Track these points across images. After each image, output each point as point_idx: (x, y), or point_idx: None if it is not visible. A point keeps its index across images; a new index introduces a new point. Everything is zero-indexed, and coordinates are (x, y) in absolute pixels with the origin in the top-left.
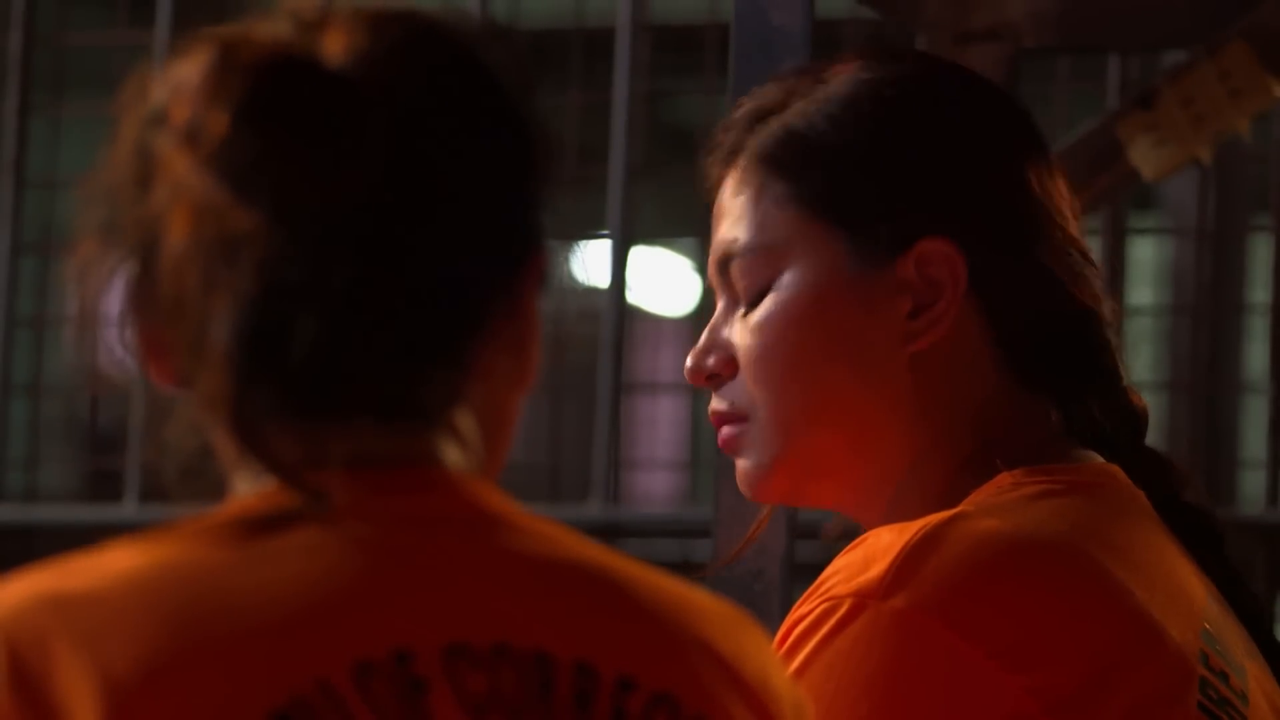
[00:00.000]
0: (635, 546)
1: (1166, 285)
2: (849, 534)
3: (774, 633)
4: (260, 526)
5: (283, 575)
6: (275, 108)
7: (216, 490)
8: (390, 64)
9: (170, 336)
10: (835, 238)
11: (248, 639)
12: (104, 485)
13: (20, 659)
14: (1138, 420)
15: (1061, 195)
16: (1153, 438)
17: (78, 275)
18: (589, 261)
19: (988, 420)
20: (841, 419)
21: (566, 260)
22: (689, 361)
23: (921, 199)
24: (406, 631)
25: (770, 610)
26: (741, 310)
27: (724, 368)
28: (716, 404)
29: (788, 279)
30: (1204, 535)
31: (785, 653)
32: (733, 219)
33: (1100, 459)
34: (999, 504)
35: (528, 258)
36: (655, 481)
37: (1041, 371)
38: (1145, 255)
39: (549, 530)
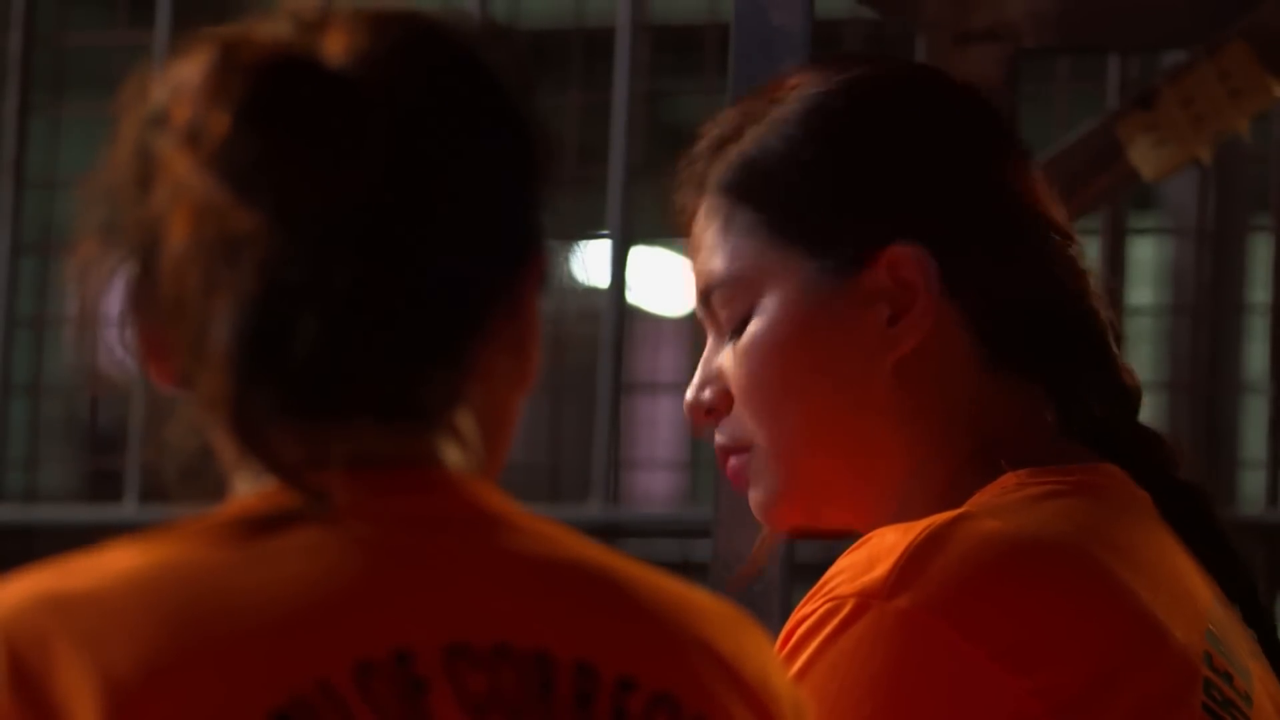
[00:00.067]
0: (635, 546)
1: (1166, 285)
2: (849, 533)
3: (774, 632)
4: (261, 526)
5: (283, 575)
6: (276, 108)
7: (216, 490)
8: (390, 64)
9: (170, 337)
10: (804, 258)
11: (248, 639)
12: (104, 485)
13: (20, 659)
14: (1130, 397)
15: (1034, 179)
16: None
17: (78, 275)
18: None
19: (983, 416)
20: (838, 437)
21: (566, 260)
22: (687, 398)
23: (881, 206)
24: (407, 631)
25: (770, 610)
26: (728, 340)
27: (721, 401)
28: (719, 438)
29: (766, 305)
30: (1198, 518)
31: (789, 653)
32: (707, 250)
33: (1104, 459)
34: (1003, 504)
35: (528, 258)
36: (655, 481)
37: (1028, 359)
38: (1145, 255)
39: (549, 530)
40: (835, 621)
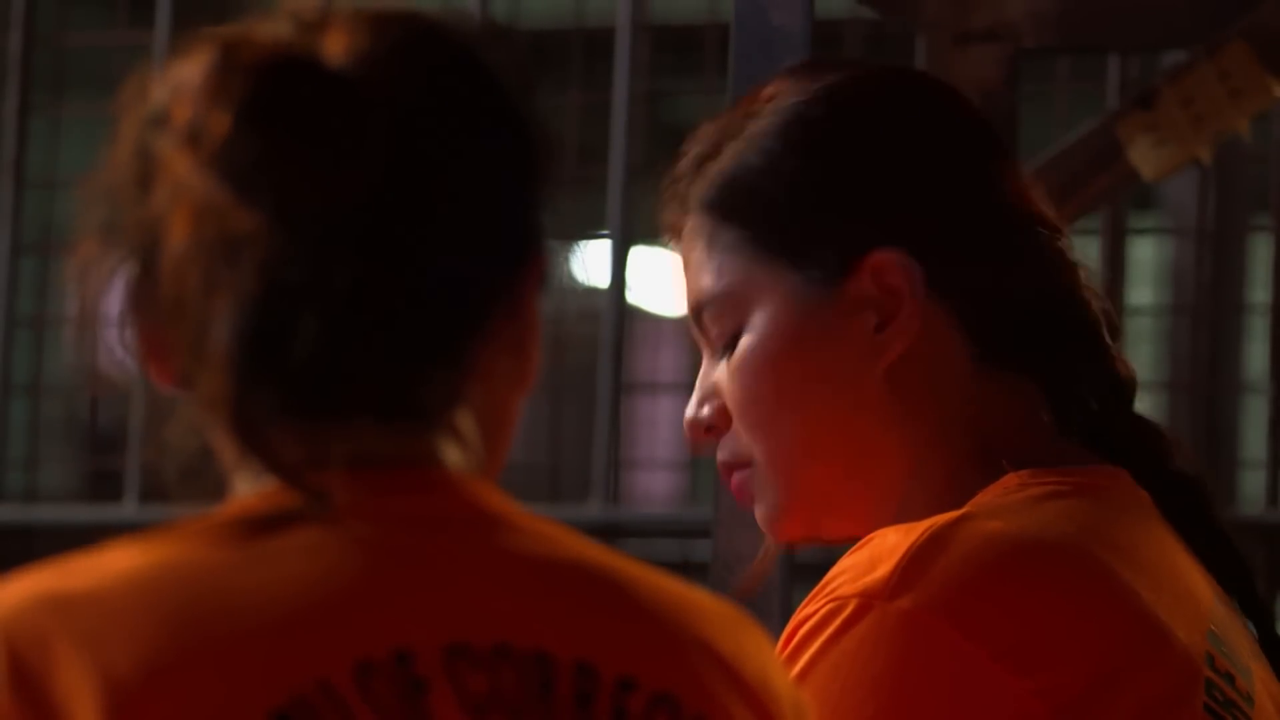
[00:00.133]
0: (635, 546)
1: (1166, 285)
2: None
3: (774, 633)
4: (261, 526)
5: (283, 575)
6: (276, 108)
7: (216, 490)
8: (391, 64)
9: (171, 337)
10: (789, 271)
11: (248, 639)
12: (104, 485)
13: (20, 659)
14: (1125, 388)
15: (1017, 175)
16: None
17: (78, 275)
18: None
19: (979, 415)
20: (835, 447)
21: (566, 260)
22: (686, 416)
23: (861, 213)
24: (407, 631)
25: (770, 610)
26: (721, 357)
27: (720, 418)
28: (721, 455)
29: (755, 320)
30: (1196, 511)
31: (790, 653)
32: (694, 269)
33: (1103, 454)
34: (1005, 505)
35: (528, 258)
36: (655, 481)
37: (1021, 356)
38: (1145, 255)
39: (549, 530)
40: (837, 622)
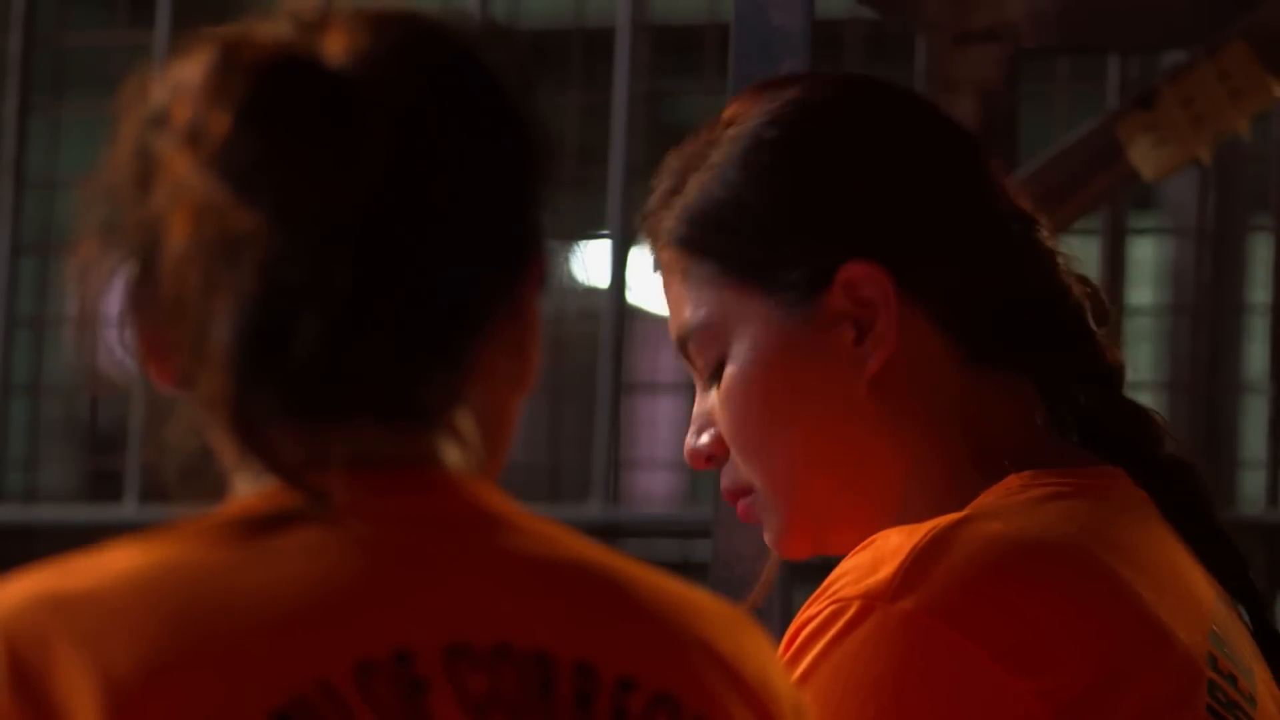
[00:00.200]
0: (635, 546)
1: (1166, 285)
2: None
3: (774, 633)
4: (261, 526)
5: (283, 575)
6: (277, 108)
7: (216, 490)
8: (391, 65)
9: (171, 337)
10: (764, 296)
11: (248, 639)
12: (104, 485)
13: (20, 659)
14: (1112, 375)
15: (984, 168)
16: (1172, 448)
17: (78, 275)
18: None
19: (972, 414)
20: (829, 463)
21: (566, 260)
22: (686, 446)
23: (827, 229)
24: (407, 631)
25: (770, 611)
26: (710, 386)
27: (718, 446)
28: (724, 482)
29: (737, 348)
30: (1189, 498)
31: (793, 654)
32: (674, 302)
33: (1097, 451)
34: (1007, 506)
35: (528, 259)
36: (655, 481)
37: (1005, 351)
38: (1145, 255)
39: (549, 530)
40: (840, 624)
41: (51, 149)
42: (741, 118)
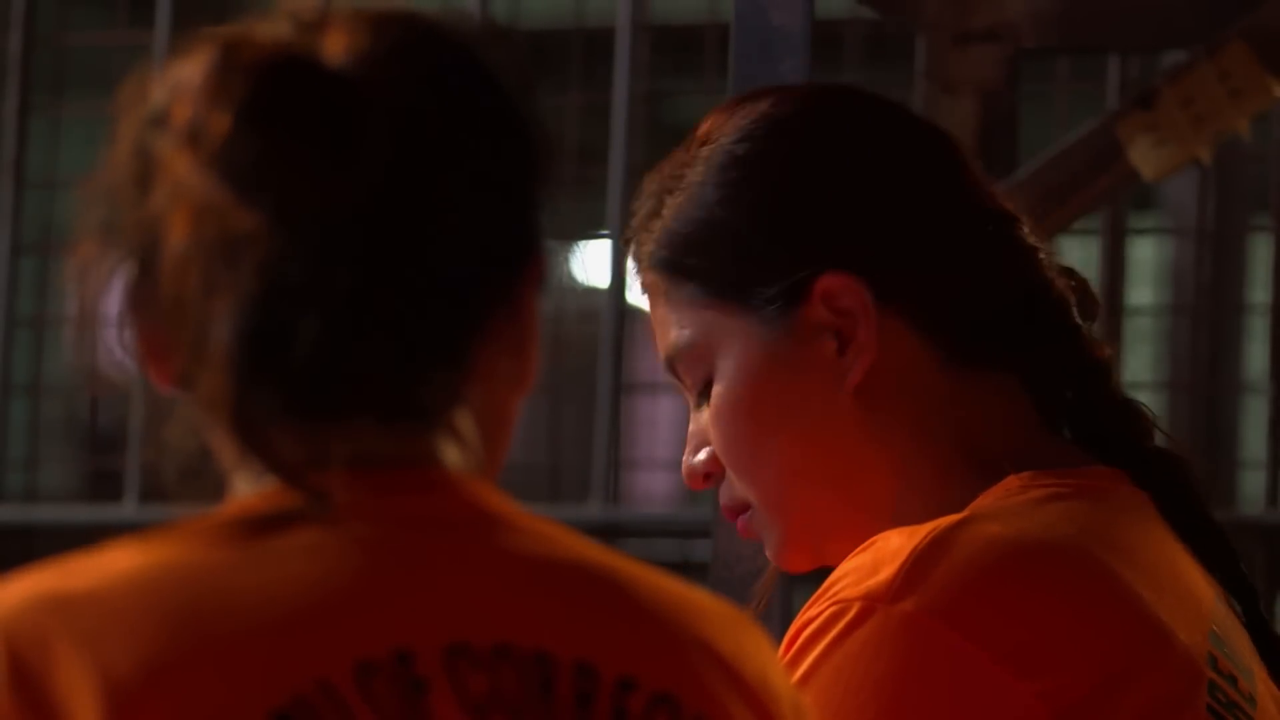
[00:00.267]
0: (635, 546)
1: (1166, 285)
2: None
3: (774, 634)
4: (261, 527)
5: (283, 575)
6: (277, 108)
7: (216, 490)
8: (390, 65)
9: (170, 337)
10: (744, 313)
11: (249, 639)
12: (104, 485)
13: (20, 659)
14: (1099, 369)
15: (959, 168)
16: (1161, 441)
17: (78, 275)
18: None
19: (962, 416)
20: (821, 474)
21: (566, 260)
22: (683, 465)
23: (801, 242)
24: (407, 631)
25: (770, 611)
26: (701, 405)
27: (714, 465)
28: (721, 500)
29: (722, 367)
30: (1178, 487)
31: (794, 656)
32: (659, 324)
33: (1089, 446)
34: (1007, 507)
35: (528, 259)
36: (655, 481)
37: (990, 351)
38: (1145, 255)
39: (549, 530)
40: (840, 625)
41: (51, 149)
42: (714, 135)
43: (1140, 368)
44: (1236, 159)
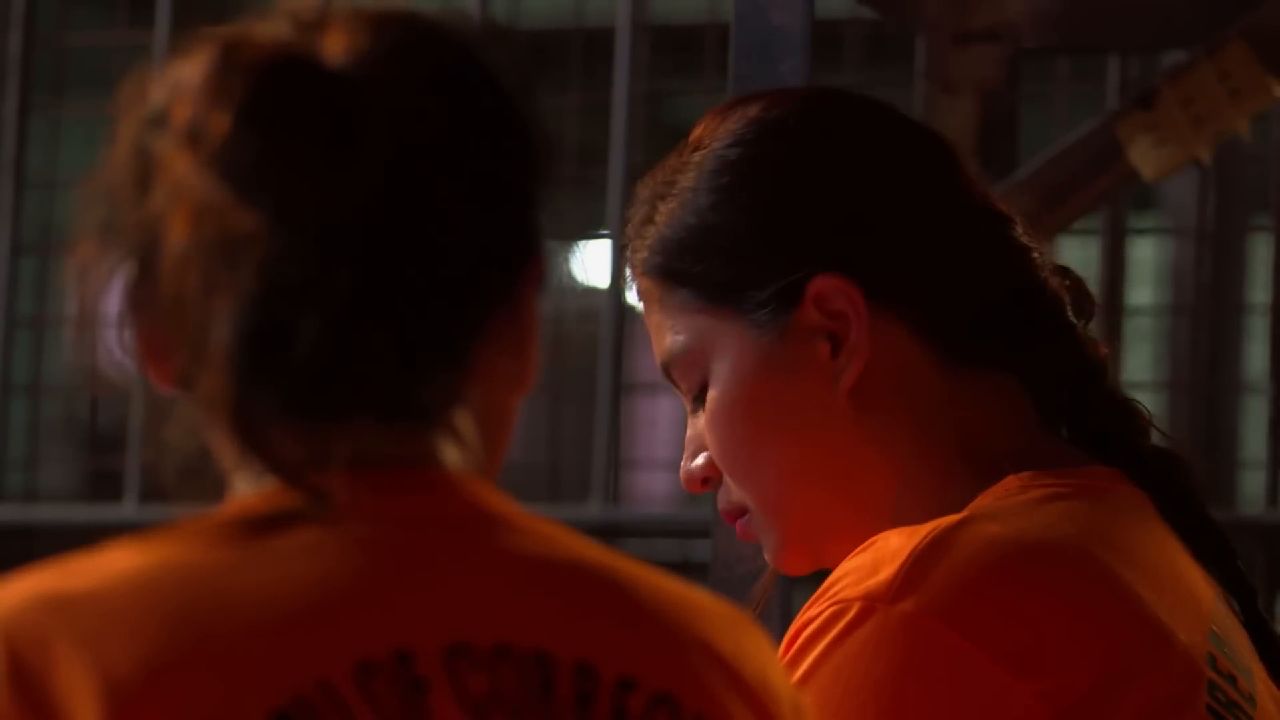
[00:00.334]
0: (635, 546)
1: (1166, 285)
2: None
3: (774, 634)
4: (261, 526)
5: (283, 575)
6: (277, 108)
7: (216, 490)
8: (390, 65)
9: (170, 338)
10: (737, 317)
11: (248, 639)
12: (104, 485)
13: (20, 659)
14: (1095, 368)
15: (950, 168)
16: (1158, 440)
17: (77, 275)
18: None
19: (959, 416)
20: (818, 476)
21: (566, 260)
22: (681, 470)
23: (792, 245)
24: (407, 631)
25: (770, 611)
26: (697, 410)
27: (712, 469)
28: (720, 504)
29: (717, 371)
30: (1175, 489)
31: (793, 656)
32: (655, 330)
33: (1085, 444)
34: (1007, 507)
35: (527, 259)
36: (655, 481)
37: (984, 349)
38: (1145, 255)
39: (549, 530)
40: (840, 625)
41: (51, 149)
42: (706, 141)
43: (1140, 368)
44: (1236, 159)
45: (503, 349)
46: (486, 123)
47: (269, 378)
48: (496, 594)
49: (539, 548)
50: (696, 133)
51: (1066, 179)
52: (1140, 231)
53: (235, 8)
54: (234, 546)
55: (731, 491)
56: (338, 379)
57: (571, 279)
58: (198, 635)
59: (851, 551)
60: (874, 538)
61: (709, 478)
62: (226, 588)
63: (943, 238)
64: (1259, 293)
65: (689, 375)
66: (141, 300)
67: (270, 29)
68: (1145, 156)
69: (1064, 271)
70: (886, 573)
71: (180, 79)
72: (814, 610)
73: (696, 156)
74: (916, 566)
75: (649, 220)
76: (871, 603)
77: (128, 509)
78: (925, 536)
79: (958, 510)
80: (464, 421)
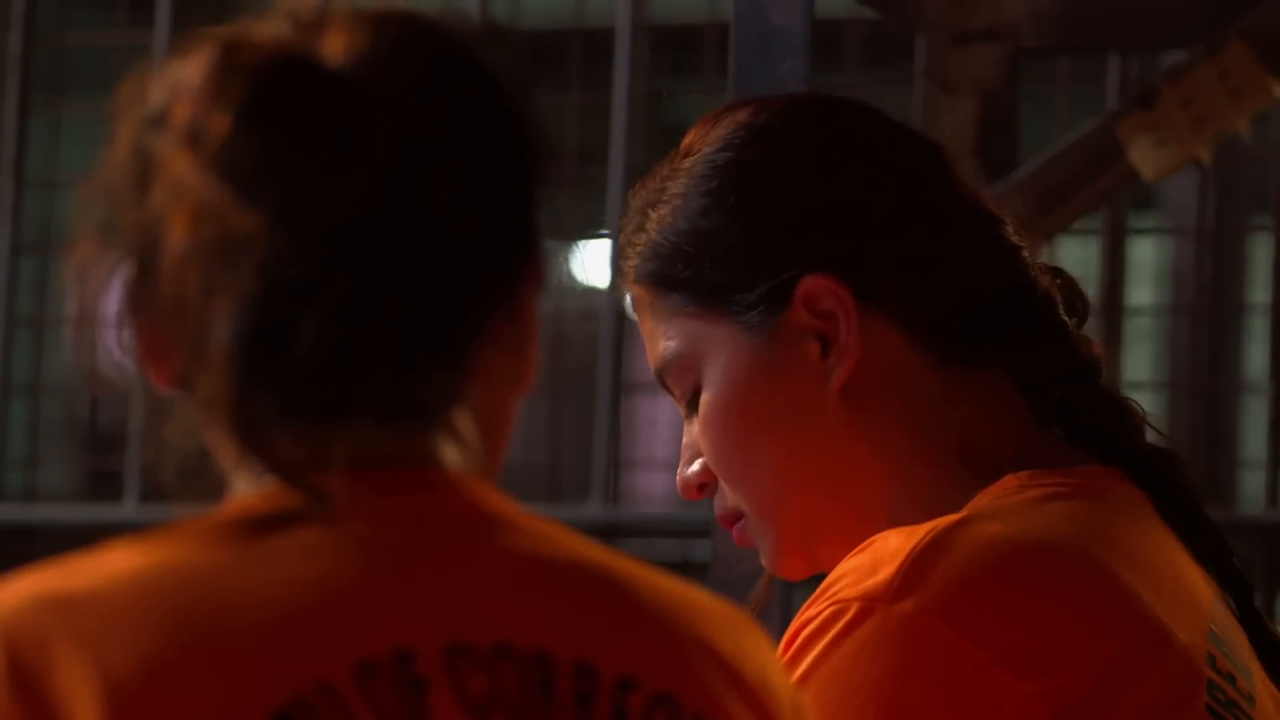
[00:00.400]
0: (635, 546)
1: (1166, 285)
2: None
3: (774, 634)
4: (261, 526)
5: (283, 575)
6: (276, 109)
7: (216, 490)
8: (390, 65)
9: (170, 338)
10: (727, 321)
11: (248, 639)
12: (104, 485)
13: (20, 659)
14: (1087, 366)
15: (941, 168)
16: (1152, 438)
17: (77, 275)
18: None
19: (952, 415)
20: (812, 481)
21: (566, 260)
22: (678, 477)
23: (781, 247)
24: (407, 631)
25: (770, 611)
26: (691, 415)
27: (707, 475)
28: (716, 510)
29: (708, 376)
30: (1170, 488)
31: (792, 656)
32: (648, 336)
33: (1080, 444)
34: (1005, 507)
35: (527, 259)
36: (655, 481)
37: (976, 348)
38: (1145, 255)
39: (549, 530)
40: (839, 625)
41: (51, 149)
42: (696, 147)
43: (1140, 368)
44: (1236, 159)
45: (502, 349)
46: (486, 123)
47: (269, 378)
48: (496, 594)
49: (539, 548)
50: (687, 140)
51: (1066, 179)
52: (1140, 231)
53: (235, 8)
54: (234, 546)
55: (727, 496)
56: (337, 379)
57: (571, 279)
58: (198, 635)
59: (848, 554)
60: (873, 538)
61: (705, 484)
62: (226, 588)
63: (931, 237)
64: (1259, 293)
65: (682, 380)
66: (141, 300)
67: (270, 29)
68: (1145, 156)
69: (1055, 271)
70: (885, 572)
71: (180, 79)
72: (813, 610)
73: (687, 163)
74: (915, 566)
75: (640, 228)
76: (870, 602)
77: (128, 509)
78: (924, 536)
79: (954, 510)
80: (464, 421)
